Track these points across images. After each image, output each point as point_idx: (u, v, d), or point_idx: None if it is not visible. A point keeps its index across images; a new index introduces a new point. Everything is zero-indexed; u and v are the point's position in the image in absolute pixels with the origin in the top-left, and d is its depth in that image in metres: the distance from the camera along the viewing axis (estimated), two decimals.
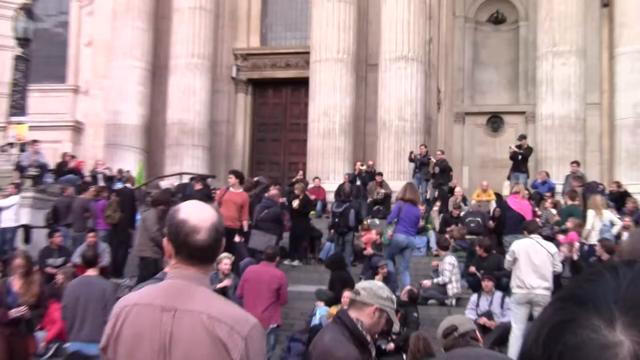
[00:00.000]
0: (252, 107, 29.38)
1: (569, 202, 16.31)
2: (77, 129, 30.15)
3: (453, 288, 14.77)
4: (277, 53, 28.81)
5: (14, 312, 9.40)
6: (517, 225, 14.53)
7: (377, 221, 19.81)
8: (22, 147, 21.95)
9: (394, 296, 4.81)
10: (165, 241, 2.96)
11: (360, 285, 4.86)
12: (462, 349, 4.62)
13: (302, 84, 26.91)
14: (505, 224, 16.38)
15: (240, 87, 29.05)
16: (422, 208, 19.84)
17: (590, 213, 16.69)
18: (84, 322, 10.06)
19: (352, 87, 24.98)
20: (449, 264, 14.91)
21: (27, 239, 18.88)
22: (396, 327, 5.00)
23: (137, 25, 26.94)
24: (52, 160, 24.28)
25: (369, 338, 4.49)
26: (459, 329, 4.75)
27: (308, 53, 25.84)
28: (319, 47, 24.89)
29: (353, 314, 4.54)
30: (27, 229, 19.06)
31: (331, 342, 4.42)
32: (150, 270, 14.38)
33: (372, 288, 4.70)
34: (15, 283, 9.75)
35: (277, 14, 29.48)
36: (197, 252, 2.88)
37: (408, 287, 13.59)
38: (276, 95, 29.45)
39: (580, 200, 17.71)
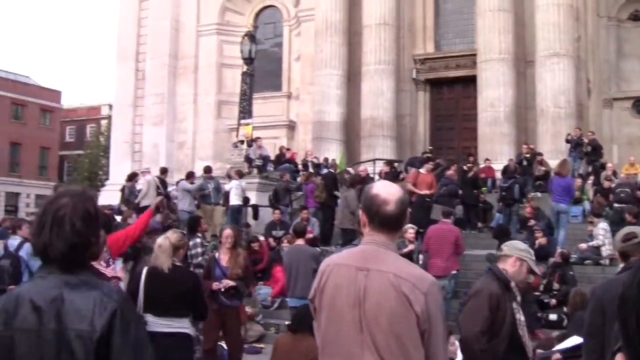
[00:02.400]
0: (430, 102, 29.11)
1: None
2: (290, 127, 30.92)
3: (606, 250, 14.10)
4: (449, 57, 28.39)
5: (216, 286, 8.46)
6: None
7: (539, 194, 19.20)
8: (249, 143, 22.78)
9: (531, 250, 5.11)
10: (360, 212, 2.99)
11: (504, 244, 5.15)
12: None
13: (470, 81, 26.42)
14: None
15: (420, 86, 28.83)
16: (578, 182, 19.08)
17: None
18: (297, 282, 10.29)
19: (513, 82, 24.41)
20: (602, 229, 14.33)
21: (255, 216, 19.52)
22: (537, 271, 5.12)
23: (334, 41, 27.20)
24: (272, 152, 25.05)
25: (512, 283, 4.78)
26: (638, 237, 4.40)
27: (475, 55, 25.50)
28: (484, 50, 24.54)
29: (500, 265, 4.92)
30: (255, 208, 19.69)
31: (481, 284, 4.92)
32: (349, 238, 14.63)
33: (512, 244, 5.10)
34: (223, 257, 8.80)
35: (448, 25, 29.06)
36: (387, 221, 2.89)
37: (559, 250, 13.28)
38: (449, 92, 29.06)
39: None
